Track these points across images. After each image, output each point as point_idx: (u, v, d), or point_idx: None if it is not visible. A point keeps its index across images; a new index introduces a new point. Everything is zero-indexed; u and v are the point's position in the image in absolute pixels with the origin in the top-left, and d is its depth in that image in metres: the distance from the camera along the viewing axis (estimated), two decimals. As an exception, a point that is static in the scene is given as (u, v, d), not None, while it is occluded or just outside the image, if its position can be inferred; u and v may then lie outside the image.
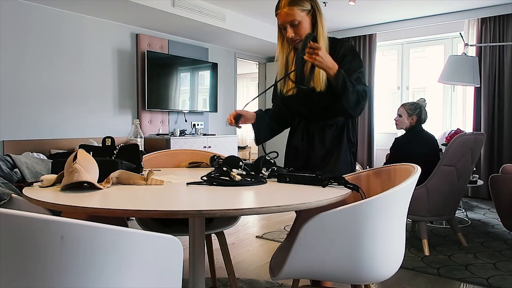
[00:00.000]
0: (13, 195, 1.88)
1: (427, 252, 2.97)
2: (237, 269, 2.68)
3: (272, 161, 1.66)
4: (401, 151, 3.19)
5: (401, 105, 3.37)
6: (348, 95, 1.66)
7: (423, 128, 3.30)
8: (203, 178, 1.46)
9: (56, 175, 1.39)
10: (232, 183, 1.42)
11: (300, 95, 1.83)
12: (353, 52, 1.81)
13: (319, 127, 1.90)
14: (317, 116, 1.90)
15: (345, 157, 1.87)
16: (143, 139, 1.77)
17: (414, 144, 3.19)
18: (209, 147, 5.39)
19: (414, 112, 3.27)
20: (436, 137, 3.51)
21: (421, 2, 5.11)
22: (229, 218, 2.12)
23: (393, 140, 3.31)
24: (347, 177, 1.71)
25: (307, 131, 1.93)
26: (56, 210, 1.09)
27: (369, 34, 6.28)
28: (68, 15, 4.48)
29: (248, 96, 9.74)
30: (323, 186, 1.39)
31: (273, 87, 1.99)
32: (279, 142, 2.26)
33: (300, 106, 1.90)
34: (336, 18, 5.79)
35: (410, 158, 3.09)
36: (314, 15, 1.75)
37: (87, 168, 1.28)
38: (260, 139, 2.01)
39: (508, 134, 5.20)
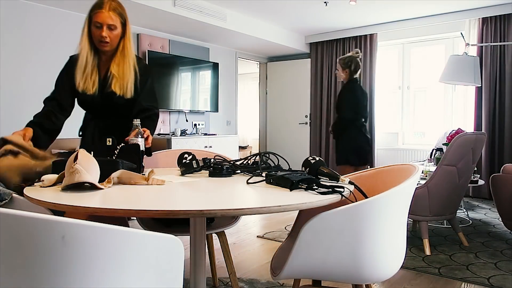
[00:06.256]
0: (14, 195, 1.88)
1: (428, 252, 2.97)
2: (238, 269, 2.68)
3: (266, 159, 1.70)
4: (350, 97, 3.69)
5: (338, 60, 3.82)
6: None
7: (356, 78, 3.74)
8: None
9: (57, 175, 1.39)
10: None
11: (103, 96, 2.00)
12: (151, 75, 2.12)
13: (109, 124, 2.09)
14: (111, 115, 2.09)
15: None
16: (144, 139, 1.77)
17: (358, 91, 3.73)
18: (210, 146, 5.39)
19: (347, 65, 3.68)
20: (437, 137, 3.54)
21: (422, 2, 5.10)
22: (230, 218, 2.13)
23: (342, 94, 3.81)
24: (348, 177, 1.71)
25: (99, 128, 2.10)
26: (57, 210, 1.09)
27: (370, 34, 6.27)
28: (69, 15, 4.49)
29: (249, 95, 9.73)
30: (291, 190, 1.30)
31: (61, 81, 2.05)
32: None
33: (102, 106, 2.05)
34: (337, 18, 5.79)
35: (359, 103, 3.64)
36: (124, 28, 1.97)
37: (88, 168, 1.28)
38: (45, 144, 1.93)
39: (509, 133, 5.20)
